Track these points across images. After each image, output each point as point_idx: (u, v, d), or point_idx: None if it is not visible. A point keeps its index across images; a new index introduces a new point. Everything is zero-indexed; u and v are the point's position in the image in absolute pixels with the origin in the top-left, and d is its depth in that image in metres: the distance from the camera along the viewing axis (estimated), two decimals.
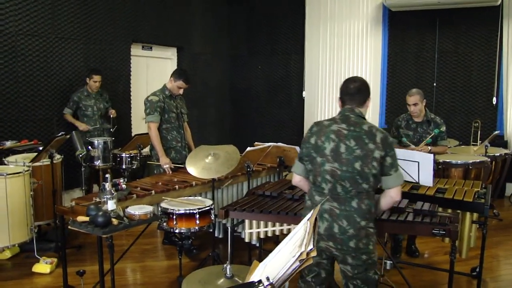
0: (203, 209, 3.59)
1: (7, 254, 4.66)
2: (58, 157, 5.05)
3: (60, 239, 4.29)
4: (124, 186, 3.73)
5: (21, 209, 4.38)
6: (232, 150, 4.19)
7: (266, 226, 3.49)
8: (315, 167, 2.70)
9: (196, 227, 3.56)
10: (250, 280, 1.65)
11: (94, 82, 6.10)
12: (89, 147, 5.75)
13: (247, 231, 3.53)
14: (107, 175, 3.33)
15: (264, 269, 1.66)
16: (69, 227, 3.23)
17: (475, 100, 7.47)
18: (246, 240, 3.65)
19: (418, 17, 7.58)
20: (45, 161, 4.80)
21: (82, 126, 6.05)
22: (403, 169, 3.64)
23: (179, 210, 3.53)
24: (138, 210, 3.29)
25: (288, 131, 8.88)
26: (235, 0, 9.28)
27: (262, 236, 3.57)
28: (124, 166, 5.79)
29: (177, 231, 3.57)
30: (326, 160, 2.64)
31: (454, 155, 5.72)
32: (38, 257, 4.43)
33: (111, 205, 3.19)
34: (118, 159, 5.81)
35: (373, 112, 8.09)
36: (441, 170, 5.22)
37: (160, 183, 4.23)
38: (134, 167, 5.85)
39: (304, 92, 8.72)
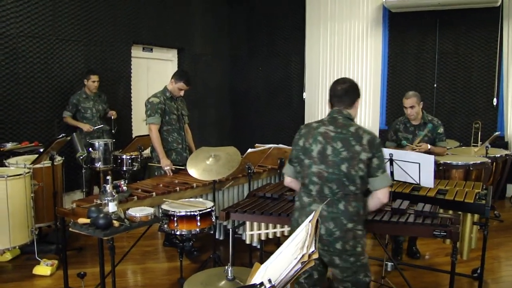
0: (204, 211, 3.59)
1: (8, 256, 4.65)
2: (58, 159, 5.05)
3: (61, 241, 4.29)
4: (125, 188, 3.73)
5: (21, 211, 4.38)
6: (233, 151, 4.19)
7: (267, 228, 3.48)
8: (303, 169, 2.73)
9: (197, 229, 3.56)
10: (252, 282, 1.65)
11: (93, 82, 6.10)
12: (90, 149, 5.75)
13: (248, 233, 3.53)
14: (108, 177, 3.33)
15: (266, 271, 1.66)
16: (70, 229, 3.23)
17: (476, 101, 7.47)
18: (247, 242, 3.64)
19: (418, 18, 7.59)
20: (46, 163, 4.80)
21: (86, 127, 6.04)
22: (404, 170, 3.64)
23: (180, 212, 3.53)
24: (139, 212, 3.29)
25: (289, 132, 8.86)
26: (235, 1, 9.29)
27: (263, 238, 3.57)
28: (124, 168, 5.78)
29: (178, 233, 3.57)
30: (313, 162, 2.66)
31: (454, 156, 5.72)
32: (39, 259, 4.44)
33: (112, 207, 3.19)
34: (119, 161, 5.80)
35: (373, 113, 8.09)
36: (441, 171, 5.21)
37: (161, 185, 4.23)
38: (134, 169, 5.84)
39: (304, 94, 8.72)
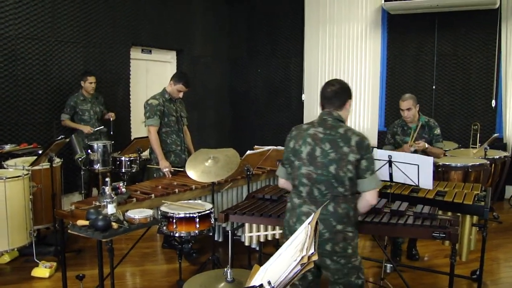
0: (203, 213, 3.59)
1: (6, 258, 4.64)
2: (57, 161, 5.04)
3: (60, 243, 4.28)
4: (123, 189, 3.73)
5: (20, 213, 4.37)
6: (232, 153, 4.19)
7: (266, 230, 3.49)
8: (293, 171, 2.75)
9: (196, 231, 3.56)
10: (251, 284, 1.64)
11: (90, 83, 6.08)
12: (89, 150, 5.74)
13: (247, 234, 3.53)
14: (107, 179, 3.33)
15: (265, 273, 1.66)
16: (68, 231, 3.22)
17: (474, 102, 7.48)
18: (246, 243, 3.65)
19: (417, 20, 7.59)
20: (45, 165, 4.79)
21: (86, 129, 6.02)
22: (402, 171, 3.65)
23: (179, 213, 3.53)
24: (138, 214, 3.29)
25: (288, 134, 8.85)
26: (234, 3, 9.30)
27: (262, 239, 3.58)
28: (123, 170, 5.78)
29: (177, 235, 3.56)
30: (302, 164, 2.67)
31: (453, 157, 5.72)
32: (38, 261, 4.42)
33: (111, 209, 3.18)
34: (118, 162, 5.80)
35: (372, 115, 8.10)
36: (440, 173, 5.22)
37: (160, 187, 4.22)
38: (133, 170, 5.84)
39: (303, 95, 8.72)
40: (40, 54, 5.95)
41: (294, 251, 1.55)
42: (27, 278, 4.28)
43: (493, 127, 7.36)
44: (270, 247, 4.60)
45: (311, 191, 2.65)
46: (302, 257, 1.45)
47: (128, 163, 5.77)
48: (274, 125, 9.05)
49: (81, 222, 3.13)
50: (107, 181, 3.30)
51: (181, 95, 4.96)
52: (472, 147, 6.91)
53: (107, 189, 3.22)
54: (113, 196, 3.23)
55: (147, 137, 4.98)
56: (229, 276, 2.41)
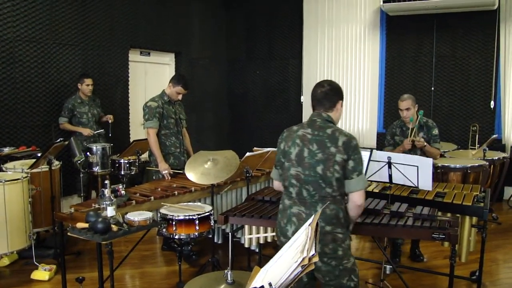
0: (203, 215, 3.59)
1: (6, 261, 4.63)
2: (56, 163, 5.04)
3: (59, 246, 4.28)
4: (123, 192, 3.73)
5: (19, 215, 4.36)
6: (231, 155, 4.19)
7: (265, 232, 3.49)
8: (284, 172, 2.76)
9: (196, 233, 3.56)
10: (252, 286, 1.64)
11: (87, 85, 6.06)
12: (88, 153, 5.73)
13: (247, 236, 3.53)
14: (106, 181, 3.32)
15: (266, 274, 1.66)
16: (68, 233, 3.22)
17: (473, 104, 7.49)
18: (246, 245, 3.65)
19: (415, 21, 7.60)
20: (44, 168, 4.79)
21: (86, 131, 6.01)
22: (402, 173, 3.65)
23: (178, 216, 3.53)
24: (137, 216, 3.28)
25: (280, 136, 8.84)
26: (232, 5, 9.30)
27: (261, 241, 3.58)
28: (122, 172, 5.78)
29: (176, 237, 3.56)
30: (291, 165, 2.68)
31: (452, 159, 5.73)
32: (37, 264, 4.42)
33: (110, 211, 3.18)
34: (117, 165, 5.79)
35: (371, 116, 8.11)
36: (439, 174, 5.22)
37: (159, 189, 4.22)
38: (132, 173, 5.83)
39: (302, 97, 8.73)
40: (38, 57, 5.94)
41: (295, 253, 1.55)
42: (26, 281, 4.27)
43: (492, 128, 7.36)
44: (269, 249, 4.60)
45: (300, 191, 2.65)
46: (303, 259, 1.45)
47: (127, 165, 5.77)
48: (273, 127, 9.04)
49: (80, 225, 3.13)
50: (106, 184, 3.29)
51: (180, 97, 4.96)
52: (471, 148, 6.92)
53: (107, 192, 3.22)
54: (112, 198, 3.23)
55: (146, 139, 4.98)
56: (229, 278, 2.41)
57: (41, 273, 4.30)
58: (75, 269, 4.48)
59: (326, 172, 2.56)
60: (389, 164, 3.69)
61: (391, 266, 4.29)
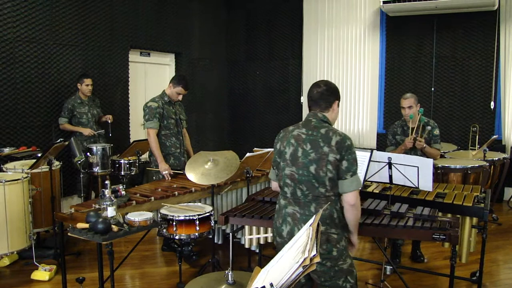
0: (203, 215, 3.59)
1: (6, 261, 4.63)
2: (56, 164, 5.04)
3: (59, 246, 4.27)
4: (123, 192, 3.73)
5: (19, 216, 4.36)
6: (232, 156, 4.19)
7: (266, 232, 3.48)
8: (279, 172, 2.76)
9: (196, 233, 3.56)
10: (253, 286, 1.64)
11: (87, 86, 6.06)
12: (88, 153, 5.74)
13: (247, 237, 3.53)
14: (107, 182, 3.32)
15: (267, 275, 1.66)
16: (68, 234, 3.22)
17: (473, 104, 7.49)
18: (246, 246, 3.65)
19: (415, 22, 7.61)
20: (44, 168, 4.79)
21: (87, 131, 6.01)
22: (402, 173, 3.65)
23: (179, 216, 3.53)
24: (138, 216, 3.28)
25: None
26: (233, 5, 9.30)
27: (262, 242, 3.57)
28: (122, 173, 5.78)
29: (177, 237, 3.56)
30: (286, 165, 2.68)
31: (452, 159, 5.73)
32: (37, 264, 4.42)
33: (110, 212, 3.18)
34: (117, 165, 5.80)
35: (371, 117, 8.11)
36: (440, 175, 5.22)
37: (159, 190, 4.22)
38: (132, 173, 5.83)
39: (302, 97, 8.73)
40: (38, 57, 5.94)
41: (296, 253, 1.55)
42: (26, 281, 4.27)
43: (492, 128, 7.37)
44: (270, 249, 4.60)
45: (295, 191, 2.64)
46: (304, 259, 1.45)
47: (127, 166, 5.77)
48: (273, 127, 9.04)
49: (81, 225, 3.13)
50: (106, 184, 3.29)
51: (180, 97, 4.96)
52: (471, 149, 6.92)
53: (107, 192, 3.22)
54: (112, 199, 3.23)
55: (146, 139, 4.98)
56: (230, 278, 2.41)
57: (41, 274, 4.30)
58: (75, 270, 4.48)
59: (319, 171, 2.55)
60: (390, 164, 3.69)
61: (391, 267, 4.29)
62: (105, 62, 6.86)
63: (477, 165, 5.30)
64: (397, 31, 7.86)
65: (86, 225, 3.10)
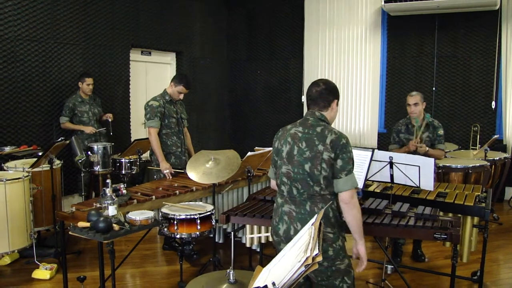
0: (204, 214, 3.59)
1: (7, 260, 4.63)
2: (57, 163, 5.04)
3: (60, 245, 4.27)
4: (124, 191, 3.73)
5: (20, 215, 4.36)
6: (233, 155, 4.19)
7: (267, 231, 3.48)
8: (276, 170, 2.75)
9: (197, 232, 3.56)
10: (255, 285, 1.64)
11: (88, 85, 6.07)
12: (89, 152, 5.74)
13: (248, 236, 3.53)
14: (108, 180, 3.32)
15: (269, 274, 1.65)
16: (69, 232, 3.22)
17: (474, 104, 7.48)
18: (247, 245, 3.65)
19: (417, 21, 7.60)
20: (45, 167, 4.79)
21: (88, 129, 6.01)
22: (403, 173, 3.65)
23: (180, 215, 3.53)
24: (139, 215, 3.28)
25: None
26: (234, 5, 9.30)
27: (263, 241, 3.57)
28: (123, 172, 5.78)
29: (178, 236, 3.56)
30: (283, 163, 2.67)
31: (453, 159, 5.73)
32: (38, 263, 4.42)
33: (112, 211, 3.18)
34: (118, 164, 5.80)
35: (372, 117, 8.10)
36: (441, 174, 5.22)
37: (160, 188, 4.22)
38: (133, 172, 5.84)
39: (303, 97, 8.72)
40: (39, 56, 5.94)
41: (298, 252, 1.55)
42: (27, 280, 4.27)
43: (493, 128, 7.36)
44: (270, 249, 4.59)
45: (291, 190, 2.63)
46: (307, 258, 1.45)
47: (128, 164, 5.77)
48: (274, 127, 9.02)
49: (82, 224, 3.13)
50: (108, 183, 3.29)
51: (181, 96, 4.96)
52: (472, 149, 6.92)
53: (108, 191, 3.22)
54: (114, 197, 3.23)
55: (147, 138, 4.98)
56: (231, 277, 2.41)
57: (42, 272, 4.30)
58: (76, 268, 4.48)
59: (313, 170, 2.53)
60: (391, 163, 3.68)
61: (392, 266, 4.29)
62: (106, 61, 6.86)
63: (478, 164, 5.30)
64: (398, 30, 7.86)
65: (87, 224, 3.10)
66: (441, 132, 4.80)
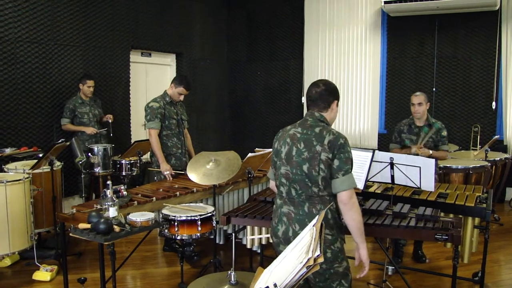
0: (205, 216, 3.58)
1: (7, 261, 4.63)
2: (58, 164, 5.04)
3: (61, 246, 4.27)
4: (125, 192, 3.72)
5: (21, 216, 4.36)
6: (233, 156, 4.19)
7: (267, 232, 3.48)
8: (276, 171, 2.74)
9: (198, 234, 3.56)
10: (256, 286, 1.64)
11: (88, 87, 6.07)
12: (89, 154, 5.74)
13: (249, 237, 3.53)
14: (109, 182, 3.32)
15: (270, 275, 1.65)
16: (70, 234, 3.22)
17: (475, 104, 7.48)
18: (248, 246, 3.64)
19: (417, 22, 7.60)
20: (45, 168, 4.79)
21: (89, 130, 6.01)
22: (404, 174, 3.64)
23: (180, 216, 3.52)
24: (139, 216, 3.28)
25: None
26: (234, 6, 9.30)
27: (263, 242, 3.57)
28: (124, 173, 5.78)
29: (178, 237, 3.56)
30: (281, 164, 2.66)
31: (454, 159, 5.72)
32: (38, 264, 4.42)
33: (112, 212, 3.18)
34: (118, 165, 5.79)
35: (372, 117, 8.10)
36: (441, 175, 5.22)
37: (161, 190, 4.22)
38: (134, 173, 5.83)
39: (303, 98, 8.72)
40: (39, 58, 5.94)
41: (300, 253, 1.55)
42: (28, 281, 4.27)
43: (494, 129, 7.36)
44: (271, 250, 4.56)
45: (289, 191, 2.62)
46: (308, 259, 1.45)
47: (129, 166, 5.77)
48: (274, 128, 9.02)
49: (82, 225, 3.12)
50: (108, 184, 3.29)
51: (182, 98, 4.96)
52: (473, 149, 6.92)
53: (109, 192, 3.21)
54: (114, 199, 3.22)
55: (147, 140, 4.97)
56: (232, 279, 2.40)
57: (43, 274, 4.30)
58: (77, 270, 4.48)
59: (311, 171, 2.51)
60: (392, 164, 3.68)
61: (393, 267, 4.28)
62: (106, 62, 6.86)
63: (478, 165, 5.30)
64: (398, 31, 7.86)
65: (88, 226, 3.09)
66: (444, 133, 4.81)
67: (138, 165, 5.76)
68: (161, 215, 3.66)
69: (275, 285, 1.45)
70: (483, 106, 7.43)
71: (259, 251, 4.03)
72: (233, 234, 3.74)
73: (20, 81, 5.76)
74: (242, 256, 4.60)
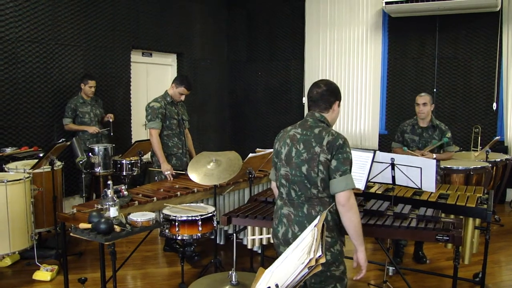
0: (206, 216, 3.58)
1: (8, 261, 4.63)
2: (58, 164, 5.03)
3: (61, 246, 4.27)
4: (125, 192, 3.72)
5: (21, 216, 4.36)
6: (234, 156, 4.19)
7: (268, 233, 3.48)
8: (276, 172, 2.72)
9: (199, 234, 3.55)
10: (258, 287, 1.64)
11: (90, 87, 6.07)
12: (90, 153, 5.73)
13: (250, 237, 3.53)
14: (109, 182, 3.32)
15: (271, 276, 1.65)
16: (71, 234, 3.22)
17: (475, 105, 7.48)
18: (249, 246, 3.64)
19: (418, 22, 7.60)
20: (46, 168, 4.79)
21: (91, 129, 6.01)
22: (405, 174, 3.64)
23: (181, 216, 3.52)
24: (140, 217, 3.28)
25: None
26: (234, 6, 9.30)
27: (264, 242, 3.56)
28: (124, 173, 5.77)
29: (179, 237, 3.56)
30: (281, 165, 2.65)
31: (455, 160, 5.72)
32: (39, 264, 4.41)
33: (113, 212, 3.18)
34: (119, 165, 5.79)
35: (373, 118, 8.10)
36: (442, 176, 5.22)
37: (161, 190, 4.22)
38: (134, 173, 5.83)
39: (304, 98, 8.72)
40: (40, 57, 5.94)
41: (301, 254, 1.55)
42: (28, 281, 4.27)
43: (494, 130, 7.36)
44: (272, 250, 4.57)
45: (289, 192, 2.60)
46: (310, 260, 1.44)
47: (129, 166, 5.76)
48: (275, 128, 9.03)
49: (83, 225, 3.12)
50: (109, 184, 3.29)
51: (182, 98, 4.96)
52: (474, 150, 6.92)
53: (109, 192, 3.21)
54: (115, 199, 3.22)
55: (148, 140, 4.97)
56: (233, 279, 2.40)
57: (43, 274, 4.30)
58: (77, 270, 4.47)
59: (310, 172, 2.49)
60: (392, 165, 3.68)
61: (394, 268, 4.28)
62: (107, 62, 6.86)
63: (479, 166, 5.31)
64: (399, 32, 7.85)
65: (89, 225, 3.09)
66: (449, 135, 4.83)
67: (139, 165, 5.76)
68: (161, 215, 3.65)
69: (276, 285, 1.45)
70: (484, 107, 7.42)
71: (259, 251, 4.03)
72: (234, 234, 3.74)
73: (21, 81, 5.76)
74: (242, 257, 4.60)
